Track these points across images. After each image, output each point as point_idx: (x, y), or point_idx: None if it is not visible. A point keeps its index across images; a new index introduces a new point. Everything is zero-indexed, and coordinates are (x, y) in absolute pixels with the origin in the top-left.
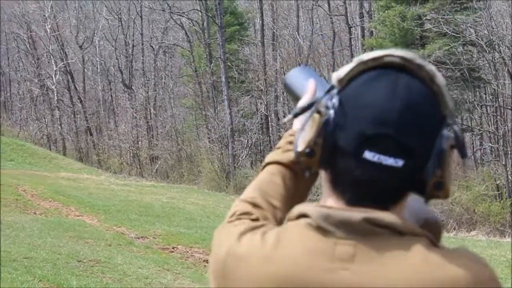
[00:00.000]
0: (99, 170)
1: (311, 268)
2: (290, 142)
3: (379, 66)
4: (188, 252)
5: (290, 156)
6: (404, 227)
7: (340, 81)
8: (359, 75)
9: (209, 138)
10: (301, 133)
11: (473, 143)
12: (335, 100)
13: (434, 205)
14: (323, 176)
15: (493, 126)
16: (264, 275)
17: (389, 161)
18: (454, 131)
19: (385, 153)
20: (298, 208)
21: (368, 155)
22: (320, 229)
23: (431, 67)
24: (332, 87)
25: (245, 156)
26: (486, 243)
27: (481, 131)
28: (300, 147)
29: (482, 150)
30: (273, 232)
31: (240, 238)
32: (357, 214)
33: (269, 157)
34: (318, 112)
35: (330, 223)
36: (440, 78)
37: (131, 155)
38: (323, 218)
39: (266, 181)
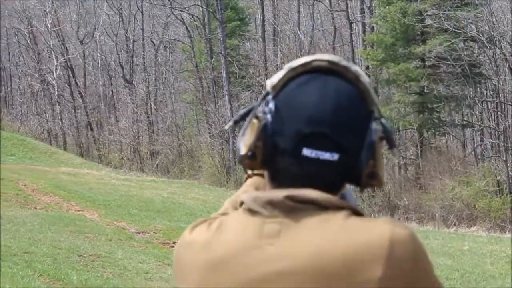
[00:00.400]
0: (100, 165)
1: (242, 248)
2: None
3: (309, 71)
4: None
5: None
6: (326, 201)
7: (273, 87)
8: (291, 80)
9: (209, 133)
10: (242, 137)
11: (473, 139)
12: (271, 105)
13: (435, 201)
14: (265, 178)
15: (493, 122)
16: (204, 259)
17: (326, 155)
18: (382, 124)
19: (321, 148)
20: (238, 199)
21: (306, 152)
22: (250, 211)
23: (356, 68)
24: (267, 94)
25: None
26: (486, 239)
27: (481, 127)
28: (243, 150)
29: (482, 146)
30: (218, 221)
31: (192, 229)
32: (280, 192)
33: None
34: (256, 117)
35: (258, 204)
36: (364, 77)
37: (132, 150)
38: (252, 200)
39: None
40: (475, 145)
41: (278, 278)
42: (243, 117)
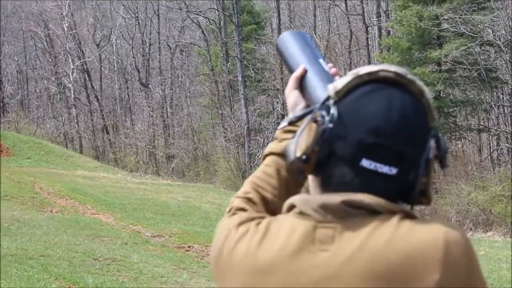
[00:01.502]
0: (116, 169)
1: (292, 253)
2: (286, 131)
3: (374, 80)
4: (204, 251)
5: (283, 145)
6: (379, 206)
7: (337, 93)
8: (355, 88)
9: (225, 137)
10: (296, 140)
11: (490, 144)
12: (334, 111)
13: (451, 206)
14: (311, 182)
15: (510, 126)
16: (252, 262)
17: (384, 169)
18: (439, 142)
19: (381, 161)
20: (287, 201)
21: (365, 163)
22: (302, 214)
23: (421, 83)
24: (328, 98)
25: (261, 155)
26: (502, 244)
27: (498, 132)
28: (298, 153)
29: (499, 151)
30: (265, 222)
31: (238, 227)
32: (336, 197)
33: (267, 149)
34: (315, 121)
35: (310, 207)
36: (428, 93)
37: (148, 153)
38: (304, 203)
39: (260, 174)
40: (491, 149)
41: (332, 283)
42: (300, 119)
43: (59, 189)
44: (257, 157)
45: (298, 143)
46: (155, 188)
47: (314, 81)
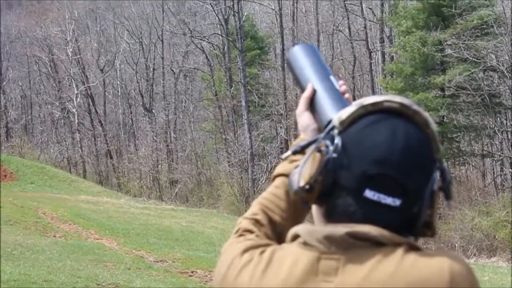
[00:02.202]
0: (119, 193)
1: (296, 284)
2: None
3: (379, 111)
4: (207, 276)
5: (293, 167)
6: (384, 237)
7: (341, 123)
8: (360, 118)
9: (228, 162)
10: (300, 169)
11: (493, 169)
12: (338, 141)
13: (455, 231)
14: (315, 212)
15: None
16: None
17: (388, 200)
18: (443, 174)
19: (384, 192)
20: (292, 231)
21: (368, 193)
22: (306, 245)
23: (426, 114)
24: (332, 128)
25: (265, 180)
26: (506, 270)
27: (501, 157)
28: (301, 182)
29: (502, 176)
30: (269, 250)
31: (242, 254)
32: (341, 228)
33: (276, 169)
34: (319, 151)
35: (314, 238)
36: (433, 124)
37: (151, 178)
38: (309, 234)
39: (269, 196)
40: (495, 175)
41: None
42: (304, 148)
43: (62, 214)
44: (261, 182)
45: (302, 173)
46: (158, 213)
47: (324, 101)
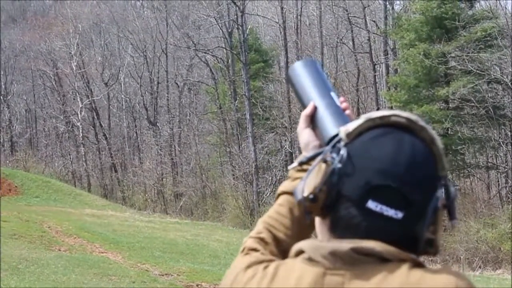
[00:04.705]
0: (124, 207)
1: None
2: (299, 171)
3: (385, 125)
4: None
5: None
6: (389, 253)
7: (348, 135)
8: (366, 130)
9: (233, 175)
10: (305, 180)
11: (498, 181)
12: (343, 152)
13: (460, 243)
14: (319, 227)
15: None
16: None
17: (390, 212)
18: (448, 192)
19: (387, 204)
20: (295, 246)
21: (371, 204)
22: (311, 261)
23: (433, 131)
24: (339, 140)
25: (270, 193)
26: None
27: (506, 169)
28: (305, 192)
29: (507, 188)
30: (273, 266)
31: (247, 269)
32: (346, 244)
33: (280, 187)
34: (325, 161)
35: (319, 254)
36: (439, 141)
37: (156, 191)
38: (314, 249)
39: (273, 214)
40: (500, 187)
41: None
42: (310, 160)
43: (67, 227)
44: (265, 195)
45: (307, 183)
46: (163, 226)
47: (325, 118)
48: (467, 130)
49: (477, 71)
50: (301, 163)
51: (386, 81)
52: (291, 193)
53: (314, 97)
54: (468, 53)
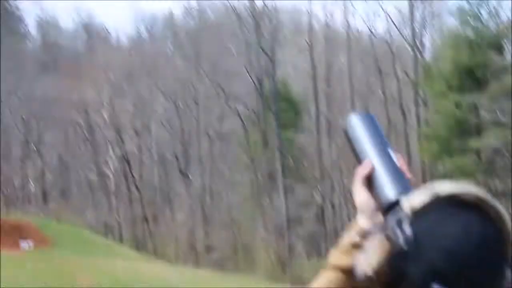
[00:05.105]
0: (155, 259)
1: None
2: (354, 246)
3: (453, 202)
4: None
5: (350, 261)
6: None
7: (414, 212)
8: (431, 206)
9: (264, 227)
10: (365, 253)
11: None
12: (409, 233)
13: None
14: None
15: None
16: None
17: None
18: None
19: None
20: None
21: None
22: None
23: (503, 210)
24: (401, 213)
25: (301, 247)
26: None
27: None
28: (368, 270)
29: None
30: None
31: None
32: None
33: (331, 257)
34: (388, 238)
35: None
36: (508, 221)
37: (187, 244)
38: None
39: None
40: None
41: None
42: (369, 233)
43: (100, 281)
44: (297, 248)
45: (369, 260)
46: (195, 280)
47: (383, 178)
48: (499, 183)
49: (509, 122)
50: (362, 236)
51: (417, 132)
52: (343, 270)
53: (371, 154)
54: (500, 104)
